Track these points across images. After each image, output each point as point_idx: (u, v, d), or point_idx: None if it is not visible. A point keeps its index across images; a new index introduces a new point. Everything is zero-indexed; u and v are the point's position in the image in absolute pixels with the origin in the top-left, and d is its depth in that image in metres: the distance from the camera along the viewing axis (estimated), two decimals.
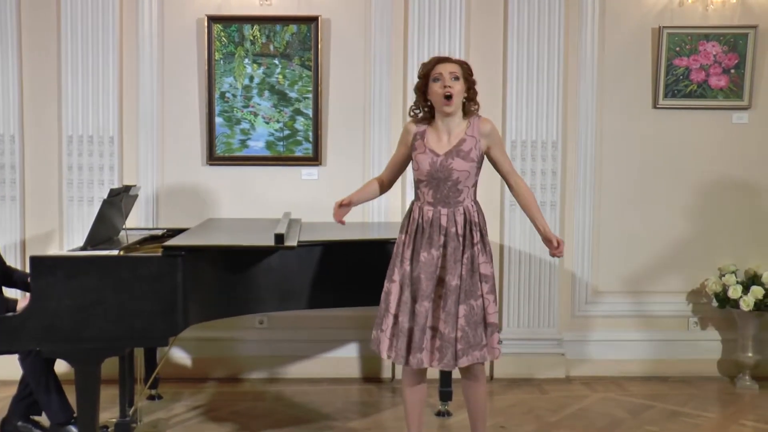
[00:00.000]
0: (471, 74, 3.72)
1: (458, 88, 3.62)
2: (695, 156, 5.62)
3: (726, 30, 5.49)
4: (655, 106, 5.58)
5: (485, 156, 3.74)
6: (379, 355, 3.75)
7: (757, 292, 5.29)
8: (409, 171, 3.89)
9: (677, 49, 5.49)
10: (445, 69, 3.64)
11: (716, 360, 5.70)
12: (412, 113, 3.78)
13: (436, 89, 3.63)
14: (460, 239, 3.64)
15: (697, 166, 5.63)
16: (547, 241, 3.72)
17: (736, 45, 5.48)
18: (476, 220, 3.69)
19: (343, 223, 3.86)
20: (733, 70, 5.51)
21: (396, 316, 3.67)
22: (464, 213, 3.67)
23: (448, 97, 3.59)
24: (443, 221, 3.65)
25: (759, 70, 5.55)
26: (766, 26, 5.53)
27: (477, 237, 3.67)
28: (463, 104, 3.70)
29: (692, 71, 5.52)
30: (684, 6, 5.51)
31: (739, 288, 5.33)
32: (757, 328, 5.44)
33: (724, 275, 5.46)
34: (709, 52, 5.50)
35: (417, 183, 3.73)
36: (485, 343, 3.67)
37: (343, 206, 3.85)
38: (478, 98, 3.75)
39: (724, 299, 5.42)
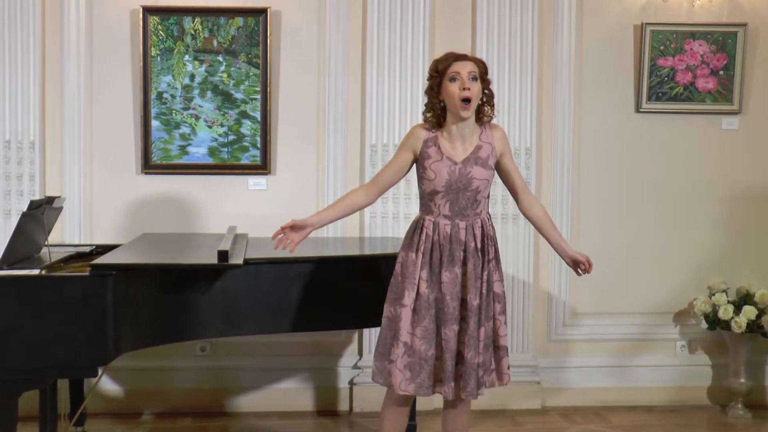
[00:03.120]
0: (487, 73, 3.75)
1: (476, 90, 3.65)
2: (682, 164, 5.66)
3: (714, 28, 5.53)
4: (637, 110, 5.61)
5: (496, 165, 3.80)
6: (389, 389, 3.76)
7: (749, 312, 5.32)
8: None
9: (661, 48, 5.52)
10: (463, 68, 3.64)
11: (706, 387, 5.73)
12: (426, 119, 3.77)
13: (453, 90, 3.63)
14: (479, 255, 3.70)
15: (683, 175, 5.67)
16: (576, 263, 3.86)
17: (725, 44, 5.53)
18: (491, 233, 3.77)
19: (289, 250, 3.76)
20: (721, 72, 5.56)
21: (409, 345, 3.67)
22: (482, 226, 3.73)
23: (466, 101, 3.60)
24: (462, 236, 3.70)
25: (749, 71, 5.61)
26: (756, 24, 5.59)
27: (492, 252, 3.74)
28: (478, 107, 3.72)
29: (678, 72, 5.55)
30: (669, 1, 5.55)
31: (731, 308, 5.35)
32: (750, 352, 5.47)
33: (714, 294, 5.48)
34: (696, 51, 5.53)
35: (430, 195, 3.73)
36: (494, 368, 3.76)
37: (296, 230, 3.75)
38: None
39: (714, 320, 5.44)
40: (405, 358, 3.68)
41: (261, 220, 5.16)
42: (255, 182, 5.46)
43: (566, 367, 5.68)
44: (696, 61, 5.54)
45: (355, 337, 5.53)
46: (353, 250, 4.85)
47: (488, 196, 3.80)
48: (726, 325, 5.37)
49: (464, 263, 3.69)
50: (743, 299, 5.45)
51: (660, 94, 5.57)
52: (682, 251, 5.68)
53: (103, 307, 3.63)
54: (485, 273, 3.70)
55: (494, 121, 5.35)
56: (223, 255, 3.81)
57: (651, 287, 5.68)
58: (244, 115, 5.40)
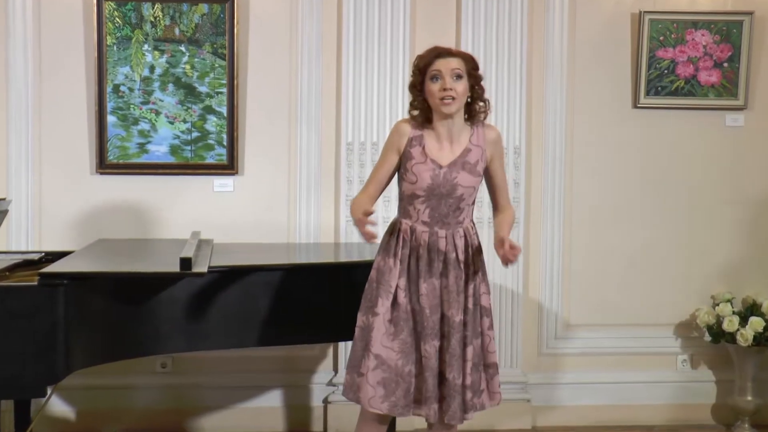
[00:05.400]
0: (477, 68, 3.70)
1: (461, 89, 3.61)
2: (683, 164, 5.67)
3: (718, 17, 5.54)
4: (635, 105, 5.62)
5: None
6: (358, 404, 3.73)
7: (756, 324, 5.32)
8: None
9: (661, 38, 5.53)
10: (446, 66, 3.61)
11: (710, 405, 5.74)
12: (411, 113, 3.74)
13: (433, 90, 3.61)
14: (462, 267, 3.68)
15: (684, 175, 5.68)
16: (500, 244, 3.61)
17: (730, 34, 5.54)
18: (476, 243, 3.75)
19: (374, 240, 3.62)
20: (726, 64, 5.56)
21: (382, 358, 3.64)
22: (464, 236, 3.72)
23: (448, 98, 3.58)
24: (441, 245, 3.68)
25: (756, 63, 5.62)
26: (763, 12, 5.61)
27: (478, 264, 3.72)
28: (467, 104, 3.70)
29: (679, 65, 5.56)
30: None
31: (736, 319, 5.36)
32: (757, 367, 5.48)
33: (718, 304, 5.49)
34: (698, 42, 5.54)
35: (410, 198, 3.72)
36: (483, 388, 3.74)
37: (365, 217, 3.58)
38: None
39: (718, 333, 5.44)
40: (378, 372, 3.65)
41: (227, 225, 5.27)
42: (221, 183, 5.43)
43: (558, 383, 5.67)
44: (698, 53, 5.54)
45: (330, 351, 5.52)
46: (328, 257, 4.88)
47: (473, 203, 3.78)
48: (731, 337, 5.37)
49: (444, 275, 3.68)
50: (749, 310, 5.46)
51: (659, 89, 5.57)
52: (684, 258, 5.69)
53: (53, 320, 3.60)
54: (471, 286, 3.69)
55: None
56: (185, 262, 3.77)
57: (650, 297, 5.68)
58: (209, 110, 5.37)
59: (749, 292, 5.61)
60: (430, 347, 3.64)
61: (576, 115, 5.60)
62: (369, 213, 3.58)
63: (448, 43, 5.32)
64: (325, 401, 5.45)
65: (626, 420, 5.64)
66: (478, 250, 3.74)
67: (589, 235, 5.64)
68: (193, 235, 4.65)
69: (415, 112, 3.72)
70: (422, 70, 3.64)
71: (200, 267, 3.89)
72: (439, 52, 3.65)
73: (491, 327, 3.77)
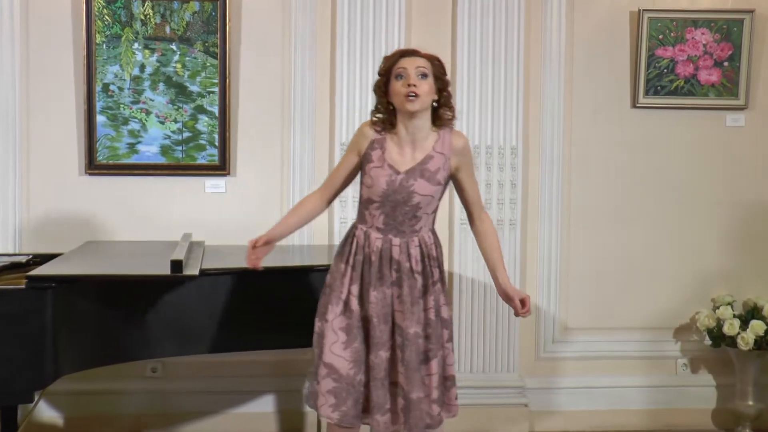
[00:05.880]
0: (444, 73, 3.69)
1: (426, 88, 3.59)
2: (682, 165, 5.67)
3: (718, 15, 5.54)
4: (634, 105, 5.62)
5: (451, 178, 3.74)
6: (318, 414, 3.72)
7: (757, 327, 5.31)
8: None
9: (660, 37, 5.53)
10: (411, 64, 3.60)
11: (710, 410, 5.74)
12: (375, 117, 3.72)
13: (398, 88, 3.59)
14: (418, 277, 3.65)
15: (684, 177, 5.68)
16: (507, 298, 3.76)
17: (730, 33, 5.54)
18: (434, 254, 3.72)
19: (258, 268, 3.77)
20: (726, 63, 5.56)
21: (334, 367, 3.63)
22: (420, 245, 3.68)
23: (412, 95, 3.55)
24: (395, 253, 3.66)
25: (757, 62, 5.63)
26: (764, 11, 5.61)
27: (436, 274, 3.70)
28: (434, 110, 3.67)
29: (678, 64, 5.56)
30: None
31: (737, 323, 5.35)
32: (759, 371, 5.47)
33: (718, 307, 5.48)
34: (698, 41, 5.54)
35: (366, 203, 3.71)
36: (443, 400, 3.73)
37: (262, 246, 3.75)
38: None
39: (718, 336, 5.44)
40: (329, 381, 3.64)
41: (219, 226, 5.26)
42: (212, 184, 5.43)
43: (556, 388, 5.67)
44: (698, 52, 5.54)
45: None
46: (322, 260, 4.83)
47: (435, 212, 3.75)
48: (732, 341, 5.36)
49: (398, 284, 3.65)
50: (750, 313, 5.45)
51: (659, 88, 5.57)
52: (684, 260, 5.69)
53: (41, 323, 3.61)
54: (431, 298, 3.67)
55: (468, 116, 5.39)
56: (176, 265, 3.79)
57: (649, 300, 5.68)
58: (201, 109, 5.37)
59: (750, 294, 5.60)
60: (376, 357, 3.61)
61: (574, 115, 5.60)
62: (269, 242, 3.71)
63: (444, 41, 5.46)
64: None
65: (625, 425, 5.63)
66: (437, 261, 3.72)
67: (587, 236, 5.64)
68: (184, 237, 4.67)
69: (379, 116, 3.70)
70: (387, 71, 3.63)
71: (192, 269, 3.91)
72: (404, 52, 3.66)
73: (450, 339, 3.76)
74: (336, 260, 3.73)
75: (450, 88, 3.72)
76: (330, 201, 3.85)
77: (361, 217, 3.74)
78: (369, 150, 3.67)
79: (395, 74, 3.60)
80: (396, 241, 3.65)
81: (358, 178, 3.80)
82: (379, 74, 3.68)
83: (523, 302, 3.71)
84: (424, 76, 3.58)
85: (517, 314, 3.73)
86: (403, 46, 5.22)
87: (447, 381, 3.74)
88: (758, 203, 5.69)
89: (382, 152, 3.64)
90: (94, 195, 5.36)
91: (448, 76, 3.73)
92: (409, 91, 3.53)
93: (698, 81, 5.56)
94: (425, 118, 3.64)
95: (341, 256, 3.72)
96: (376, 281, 3.63)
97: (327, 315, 3.65)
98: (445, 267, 5.27)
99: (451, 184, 3.79)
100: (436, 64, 3.66)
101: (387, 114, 3.67)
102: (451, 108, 3.70)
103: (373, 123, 3.71)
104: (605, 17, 5.58)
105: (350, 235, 3.74)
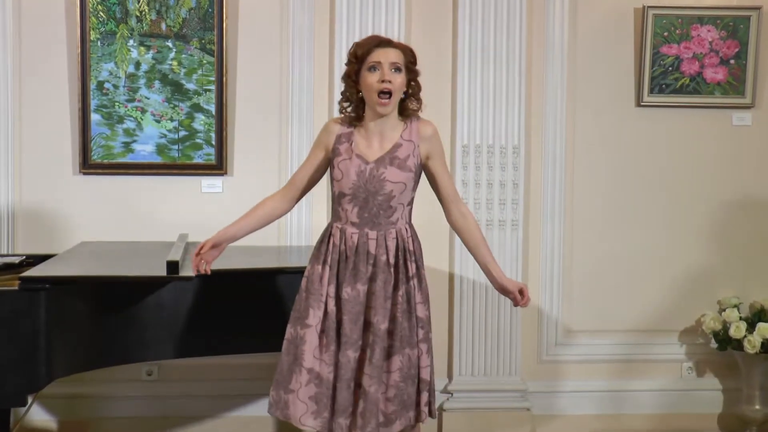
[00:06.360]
0: (414, 63, 3.67)
1: (399, 83, 3.58)
2: (687, 165, 5.67)
3: (724, 12, 5.53)
4: (638, 104, 5.61)
5: (423, 170, 3.72)
6: (287, 422, 3.68)
7: (764, 330, 5.30)
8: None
9: (665, 34, 5.52)
10: (385, 57, 3.57)
11: (716, 414, 5.73)
12: (342, 110, 3.71)
13: (371, 81, 3.56)
14: (392, 270, 3.63)
15: (689, 177, 5.67)
16: (505, 291, 3.76)
17: (737, 30, 5.53)
18: (411, 247, 3.68)
19: (206, 272, 3.74)
20: (732, 61, 5.56)
21: (315, 372, 3.60)
22: (396, 237, 3.65)
23: (385, 94, 3.54)
24: (371, 247, 3.63)
25: (763, 60, 5.62)
26: None
27: (412, 269, 3.67)
28: (401, 101, 3.66)
29: (683, 62, 5.55)
30: None
31: (743, 325, 5.35)
32: (766, 375, 5.48)
33: (724, 310, 5.48)
34: (703, 38, 5.53)
35: (338, 198, 3.68)
36: (412, 403, 3.67)
37: (208, 250, 3.73)
38: (421, 94, 3.71)
39: (724, 339, 5.43)
40: (311, 387, 3.61)
41: (216, 227, 5.07)
42: (209, 184, 5.44)
43: (559, 391, 5.67)
44: (704, 49, 5.53)
45: None
46: None
47: (410, 203, 3.71)
48: (738, 344, 5.36)
49: (372, 280, 3.62)
50: (757, 315, 5.45)
51: (663, 86, 5.56)
52: (689, 262, 5.68)
53: (34, 325, 3.62)
54: (400, 293, 3.62)
55: (469, 114, 5.40)
56: (172, 266, 3.81)
57: (653, 302, 5.68)
58: (197, 108, 5.37)
59: (757, 297, 5.60)
60: (344, 357, 3.58)
61: (577, 114, 5.59)
62: (216, 245, 3.71)
63: (445, 37, 5.45)
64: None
65: (629, 430, 5.63)
66: (414, 254, 3.68)
67: (590, 237, 5.63)
68: (181, 237, 4.69)
69: (345, 104, 3.68)
70: (360, 59, 3.59)
71: (188, 271, 3.90)
72: (379, 42, 3.62)
73: (425, 340, 3.68)
74: (312, 262, 3.70)
75: (419, 78, 3.68)
76: (295, 200, 3.82)
77: (335, 215, 3.71)
78: (336, 144, 3.66)
79: (368, 66, 3.56)
80: (372, 234, 3.62)
81: (327, 177, 3.80)
82: (350, 60, 3.63)
83: (521, 292, 3.71)
84: (397, 69, 3.56)
85: (516, 305, 3.74)
86: (402, 41, 5.24)
87: (420, 383, 3.67)
88: (765, 204, 5.68)
89: (350, 145, 3.64)
90: (89, 195, 5.36)
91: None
92: (383, 87, 3.52)
93: (704, 79, 5.55)
94: (393, 110, 3.63)
95: (317, 258, 3.68)
96: (351, 278, 3.60)
97: (308, 320, 3.61)
98: (445, 268, 5.37)
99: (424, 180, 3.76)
100: (408, 54, 3.63)
101: (355, 103, 3.65)
102: (419, 99, 3.68)
103: (339, 120, 3.71)
104: (609, 14, 5.57)
105: (326, 234, 3.71)
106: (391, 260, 3.62)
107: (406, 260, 3.64)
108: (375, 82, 3.54)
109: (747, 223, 5.69)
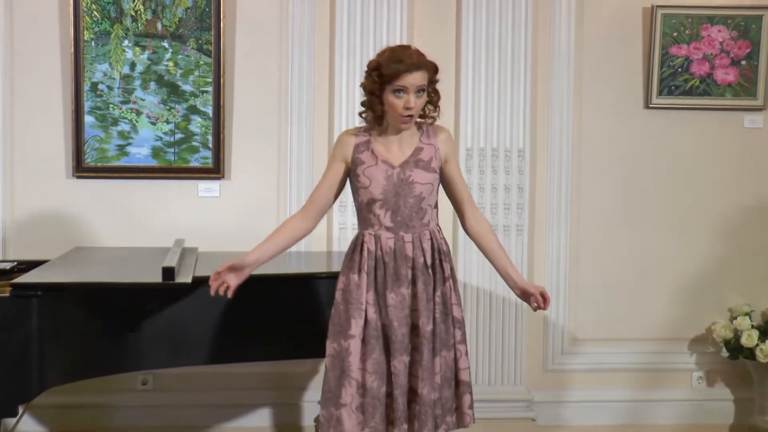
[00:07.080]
0: (436, 75, 3.69)
1: (420, 103, 3.62)
2: (698, 168, 5.67)
3: (735, 11, 5.53)
4: (647, 105, 5.61)
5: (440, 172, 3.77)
6: None
7: None
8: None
9: (675, 34, 5.52)
10: (412, 82, 3.56)
11: (728, 425, 5.72)
12: (364, 117, 3.72)
13: (396, 103, 3.57)
14: (430, 272, 3.67)
15: (699, 180, 5.67)
16: (526, 295, 3.77)
17: (748, 30, 5.53)
18: (444, 248, 3.74)
19: (227, 296, 3.68)
20: (744, 62, 5.55)
21: (360, 382, 3.61)
22: (431, 239, 3.70)
23: (410, 116, 3.59)
24: (408, 250, 3.66)
25: None
26: None
27: (447, 270, 3.71)
28: None
29: (693, 62, 5.55)
30: None
31: (755, 334, 5.34)
32: None
33: (735, 318, 5.47)
34: (714, 38, 5.53)
35: (367, 206, 3.70)
36: (455, 406, 3.72)
37: (235, 271, 3.67)
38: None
39: (736, 348, 5.42)
40: (356, 398, 3.62)
41: (213, 232, 5.27)
42: (206, 188, 5.44)
43: (565, 401, 5.67)
44: (714, 50, 5.53)
45: (322, 367, 5.41)
46: (320, 267, 4.86)
47: (436, 205, 3.76)
48: (750, 353, 5.35)
49: (413, 283, 3.66)
50: None
51: (673, 88, 5.56)
52: (699, 268, 5.67)
53: (26, 333, 3.61)
54: (438, 294, 3.67)
55: (473, 117, 5.42)
56: (168, 272, 3.79)
57: (662, 310, 5.67)
58: (194, 110, 5.37)
59: None
60: (399, 363, 3.60)
61: (584, 116, 5.60)
62: (234, 268, 3.62)
63: (449, 39, 5.45)
64: (317, 420, 5.40)
65: None
66: (447, 255, 3.73)
67: (597, 243, 5.63)
68: (177, 243, 4.68)
69: (366, 114, 3.69)
70: (386, 79, 3.57)
71: (184, 277, 3.91)
72: (408, 67, 3.55)
73: (463, 341, 3.75)
74: (346, 272, 3.70)
75: (438, 86, 3.70)
76: (317, 219, 3.80)
77: (365, 223, 3.72)
78: (356, 154, 3.68)
79: (394, 88, 3.56)
80: (408, 237, 3.65)
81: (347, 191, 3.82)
82: (372, 77, 3.60)
83: (542, 295, 3.74)
84: (421, 91, 3.59)
85: (538, 308, 3.77)
86: (404, 42, 5.25)
87: (461, 386, 3.73)
88: None
89: (371, 152, 3.67)
90: (82, 199, 5.36)
91: (442, 75, 3.71)
92: (408, 113, 3.55)
93: (714, 80, 5.55)
94: None
95: (351, 269, 3.69)
96: (393, 283, 3.63)
97: (350, 331, 3.61)
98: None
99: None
100: (432, 72, 3.64)
101: (378, 113, 3.65)
102: (437, 106, 3.71)
103: (351, 132, 3.74)
104: (617, 14, 5.57)
105: (357, 243, 3.72)
106: (428, 261, 3.66)
107: (442, 261, 3.70)
108: (400, 106, 3.56)
109: (759, 228, 5.68)
